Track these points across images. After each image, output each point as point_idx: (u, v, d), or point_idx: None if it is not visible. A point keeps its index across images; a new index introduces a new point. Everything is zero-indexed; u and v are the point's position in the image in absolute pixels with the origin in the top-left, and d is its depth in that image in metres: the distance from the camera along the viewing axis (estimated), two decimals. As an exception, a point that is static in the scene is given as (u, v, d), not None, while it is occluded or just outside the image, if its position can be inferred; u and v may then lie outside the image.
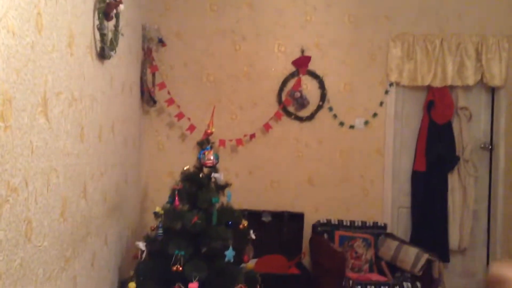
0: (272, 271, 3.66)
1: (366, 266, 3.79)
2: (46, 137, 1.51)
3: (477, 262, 4.39)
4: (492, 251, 4.36)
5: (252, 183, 4.18)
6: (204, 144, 2.93)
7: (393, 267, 3.70)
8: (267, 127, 4.14)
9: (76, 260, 1.87)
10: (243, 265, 3.25)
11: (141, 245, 2.80)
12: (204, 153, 2.88)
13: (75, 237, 1.84)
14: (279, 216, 4.05)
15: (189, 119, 4.00)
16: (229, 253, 2.66)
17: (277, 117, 4.17)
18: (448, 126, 4.25)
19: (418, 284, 3.40)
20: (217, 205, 2.81)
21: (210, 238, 2.70)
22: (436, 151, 4.19)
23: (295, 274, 3.70)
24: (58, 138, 1.62)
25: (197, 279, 2.54)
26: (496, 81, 4.18)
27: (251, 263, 3.74)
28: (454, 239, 4.23)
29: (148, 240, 2.83)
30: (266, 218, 4.03)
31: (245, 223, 2.93)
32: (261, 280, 3.01)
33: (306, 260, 4.02)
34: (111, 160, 2.52)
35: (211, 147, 2.93)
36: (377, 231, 4.03)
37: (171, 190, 2.84)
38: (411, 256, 3.50)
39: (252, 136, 4.13)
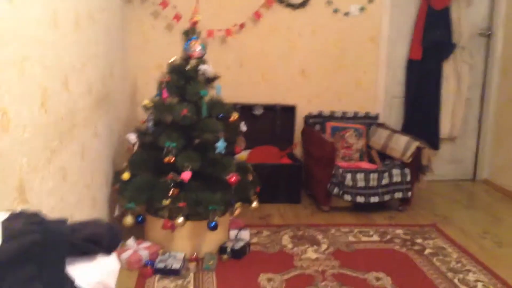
0: (264, 161, 3.74)
1: (357, 155, 3.87)
2: (11, 24, 1.40)
3: (467, 149, 4.49)
4: (482, 139, 4.43)
5: (243, 76, 4.09)
6: (189, 34, 2.79)
7: (384, 156, 3.78)
8: (257, 15, 3.94)
9: (63, 152, 1.86)
10: (235, 156, 3.31)
11: (132, 137, 2.80)
12: (190, 44, 2.76)
13: (60, 129, 1.81)
14: (271, 109, 4.03)
15: (174, 7, 3.78)
16: (220, 145, 2.67)
17: (268, 4, 3.94)
18: (446, 11, 4.06)
19: (407, 170, 3.49)
20: (207, 98, 2.76)
21: (201, 131, 2.70)
22: (433, 38, 4.05)
23: (287, 163, 3.78)
24: (27, 24, 1.51)
25: (189, 169, 2.58)
26: (500, -38, 3.91)
27: (243, 154, 3.80)
28: (445, 127, 4.28)
29: (139, 132, 2.83)
30: (258, 111, 4.01)
31: (235, 115, 2.91)
32: (253, 170, 3.08)
33: (297, 151, 4.09)
34: (92, 50, 2.41)
35: (198, 37, 2.79)
36: (369, 121, 4.05)
37: (158, 83, 2.77)
38: (401, 144, 3.55)
39: (242, 25, 3.95)
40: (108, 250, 1.12)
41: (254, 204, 2.91)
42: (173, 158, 2.58)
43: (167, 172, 2.66)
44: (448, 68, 4.19)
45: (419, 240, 3.04)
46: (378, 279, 2.52)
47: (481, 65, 4.32)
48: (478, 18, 4.23)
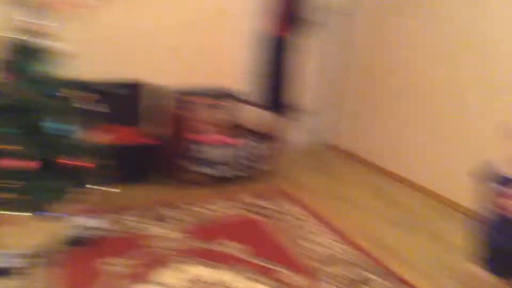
0: (120, 142, 3.55)
1: (213, 129, 3.86)
2: None
3: (319, 118, 4.75)
4: (333, 107, 4.73)
5: (94, 51, 3.78)
6: (25, 4, 2.46)
7: (241, 129, 3.82)
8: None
9: None
10: (91, 139, 3.07)
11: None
12: (28, 16, 2.44)
13: None
14: (122, 87, 3.81)
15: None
16: (52, 125, 2.43)
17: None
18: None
19: (262, 141, 3.58)
20: (47, 75, 2.48)
21: (42, 112, 2.42)
22: (290, 12, 4.15)
23: (145, 143, 3.63)
24: None
25: (34, 158, 2.31)
26: None
27: (100, 137, 3.57)
28: (298, 98, 4.46)
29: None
30: (114, 90, 3.78)
31: (89, 95, 2.67)
32: (111, 153, 2.88)
33: (150, 128, 3.93)
34: None
35: (36, 8, 2.48)
36: (226, 95, 4.06)
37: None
38: (257, 116, 3.62)
39: None
40: None
41: (108, 188, 2.72)
42: (11, 146, 2.29)
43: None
44: (306, 43, 4.35)
45: (270, 206, 3.15)
46: (229, 247, 2.54)
47: (338, 41, 4.56)
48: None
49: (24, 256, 2.38)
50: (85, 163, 2.51)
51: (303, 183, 3.69)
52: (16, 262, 2.31)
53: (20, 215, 2.31)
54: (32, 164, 2.33)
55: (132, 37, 3.89)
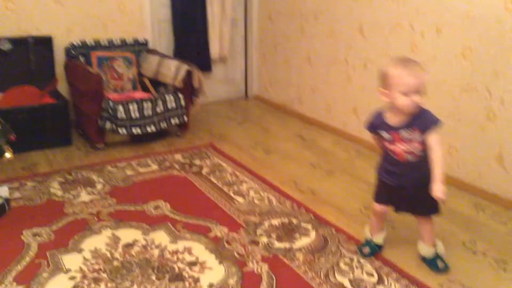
0: (22, 103, 3.22)
1: (129, 85, 3.65)
2: None
3: (237, 69, 4.69)
4: (249, 57, 4.67)
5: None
6: None
7: (157, 83, 3.65)
8: None
9: None
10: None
11: None
12: None
13: None
14: (22, 43, 3.44)
15: None
16: None
17: None
18: None
19: (180, 95, 3.44)
20: None
21: None
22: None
23: (50, 103, 3.34)
24: None
25: None
26: None
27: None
28: (214, 48, 4.35)
29: None
30: (4, 46, 3.38)
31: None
32: (10, 115, 2.61)
33: (61, 87, 3.64)
34: None
35: None
36: (138, 48, 3.82)
37: None
38: (172, 69, 3.46)
39: None
40: None
41: (7, 155, 2.48)
42: None
43: None
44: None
45: (197, 162, 3.09)
46: (157, 207, 2.46)
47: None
48: None
49: None
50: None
51: (224, 134, 3.65)
52: None
53: None
54: None
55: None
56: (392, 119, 1.83)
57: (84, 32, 3.75)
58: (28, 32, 3.53)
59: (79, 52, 3.58)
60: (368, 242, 2.08)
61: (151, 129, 3.31)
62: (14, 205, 2.46)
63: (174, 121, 3.45)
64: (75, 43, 3.59)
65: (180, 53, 4.07)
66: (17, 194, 2.58)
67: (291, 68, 4.16)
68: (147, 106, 3.28)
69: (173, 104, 3.42)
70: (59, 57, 3.61)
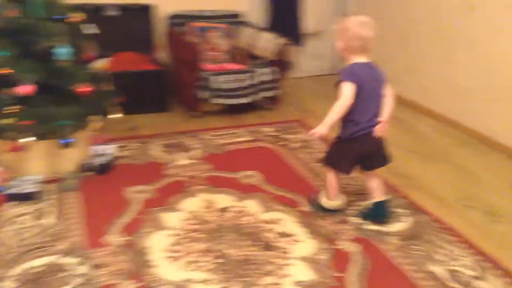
0: (126, 68, 3.43)
1: (224, 57, 3.73)
2: None
3: (329, 44, 4.60)
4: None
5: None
6: None
7: (251, 56, 3.70)
8: None
9: None
10: (90, 64, 2.95)
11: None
12: None
13: None
14: (125, 9, 3.63)
15: None
16: (62, 51, 2.31)
17: None
18: None
19: (273, 68, 3.47)
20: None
21: (37, 35, 2.30)
22: None
23: (152, 69, 3.52)
24: None
25: (30, 80, 2.22)
26: None
27: (102, 62, 3.44)
28: (309, 23, 4.29)
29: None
30: (111, 12, 3.58)
31: (78, 16, 2.52)
32: (115, 79, 2.79)
33: (161, 55, 3.81)
34: None
35: None
36: (234, 20, 3.89)
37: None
38: (266, 42, 3.48)
39: None
40: None
41: (116, 115, 2.67)
42: (8, 70, 2.19)
43: (5, 87, 2.27)
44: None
45: (286, 136, 3.12)
46: (248, 176, 2.54)
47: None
48: None
49: (44, 182, 2.38)
50: (91, 89, 2.42)
51: (313, 110, 3.64)
52: (39, 187, 2.30)
53: (32, 141, 2.28)
54: (32, 89, 2.25)
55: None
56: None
57: (186, 3, 3.87)
58: (133, 0, 3.72)
59: (180, 22, 3.71)
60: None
61: (244, 100, 3.38)
62: (120, 162, 2.66)
63: (266, 93, 3.50)
64: (176, 13, 3.72)
65: (275, 26, 4.07)
66: (122, 153, 2.78)
67: (387, 45, 4.01)
68: (241, 77, 3.35)
69: (266, 77, 3.46)
70: (159, 25, 3.76)
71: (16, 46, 2.26)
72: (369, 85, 1.97)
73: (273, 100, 3.61)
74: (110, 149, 2.71)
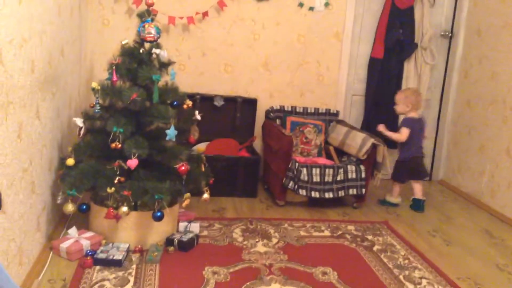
0: (222, 153, 3.67)
1: (315, 151, 3.85)
2: None
3: (425, 149, 4.52)
4: (440, 139, 4.49)
5: (205, 65, 4.01)
6: (144, 16, 2.69)
7: (341, 153, 3.77)
8: (221, 4, 3.86)
9: (-7, 128, 1.74)
10: (193, 148, 3.23)
11: (79, 121, 2.68)
12: (144, 26, 2.66)
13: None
14: (232, 101, 3.96)
15: (134, -9, 3.67)
16: (171, 132, 2.59)
17: (232, -6, 3.88)
18: (410, 11, 4.09)
19: (362, 167, 3.49)
20: (159, 83, 2.66)
21: (151, 117, 2.61)
22: (395, 36, 4.07)
23: (245, 156, 3.72)
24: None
25: (136, 156, 2.49)
26: (464, -35, 3.96)
27: (202, 146, 3.73)
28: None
29: (87, 116, 2.71)
30: (218, 102, 3.93)
31: (189, 103, 2.83)
32: (211, 162, 3.01)
33: (257, 144, 4.04)
34: (37, 27, 2.28)
35: (152, 20, 2.69)
36: (329, 118, 4.04)
37: (108, 65, 2.66)
38: (358, 141, 3.55)
39: (205, 14, 3.86)
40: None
41: (205, 195, 2.84)
42: (120, 144, 2.48)
43: (114, 159, 2.56)
44: (409, 68, 4.22)
45: (369, 237, 3.04)
46: (324, 273, 2.49)
47: (441, 66, 4.38)
48: (441, 19, 4.29)
49: (131, 251, 2.54)
50: (188, 168, 2.62)
51: (401, 214, 3.53)
52: (125, 256, 2.46)
53: (129, 212, 2.49)
54: (135, 163, 2.48)
55: (239, 54, 4.04)
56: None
57: (284, 98, 4.14)
58: (238, 92, 4.06)
59: (277, 115, 3.94)
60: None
61: (329, 195, 3.41)
62: (202, 241, 2.77)
63: (352, 191, 3.49)
64: (274, 107, 3.97)
65: (368, 127, 4.14)
66: (205, 232, 2.90)
67: (486, 157, 3.85)
68: (329, 172, 3.41)
69: (354, 175, 3.47)
70: (260, 117, 4.03)
71: (130, 124, 2.58)
72: (417, 129, 3.56)
73: (359, 198, 3.59)
74: (195, 227, 2.84)
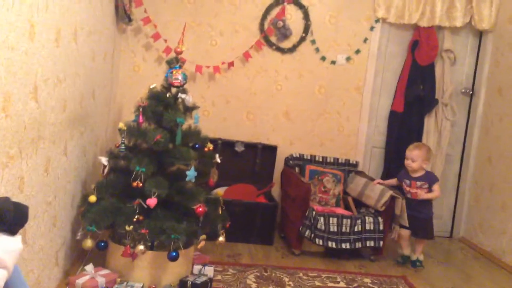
0: (240, 198, 3.70)
1: (333, 201, 3.84)
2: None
3: (445, 206, 4.47)
4: (461, 196, 4.43)
5: (228, 112, 4.14)
6: (172, 62, 2.84)
7: (360, 204, 3.76)
8: (246, 55, 4.03)
9: (23, 161, 1.83)
10: (212, 191, 3.28)
11: (104, 160, 2.78)
12: (171, 72, 2.80)
13: (21, 137, 1.80)
14: (252, 147, 4.04)
15: (165, 40, 3.87)
16: (191, 173, 2.65)
17: (257, 46, 4.05)
18: (431, 68, 4.18)
19: (380, 219, 3.46)
20: (183, 126, 2.76)
21: (173, 158, 2.69)
22: (416, 92, 4.14)
23: (262, 202, 3.74)
24: (-1, 29, 1.54)
25: (156, 195, 2.55)
26: (485, 24, 4.07)
27: (220, 191, 3.78)
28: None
29: (111, 155, 2.81)
30: (239, 148, 4.02)
31: (210, 146, 2.91)
32: (229, 206, 3.05)
33: (275, 191, 4.06)
34: (72, 69, 2.43)
35: (180, 66, 2.84)
36: (348, 168, 4.06)
37: (135, 107, 2.79)
38: (376, 192, 3.54)
39: (231, 64, 4.03)
40: (12, 227, 1.10)
41: (221, 238, 2.86)
42: (141, 183, 2.55)
43: (135, 198, 2.63)
44: (430, 123, 4.26)
45: (387, 291, 2.98)
46: (338, 326, 2.44)
47: (462, 122, 4.40)
48: (462, 76, 4.35)
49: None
50: (206, 209, 2.66)
51: (419, 270, 3.45)
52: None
53: (145, 251, 2.51)
54: (155, 202, 2.54)
55: (262, 103, 4.15)
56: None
57: (303, 146, 4.20)
58: (259, 139, 4.14)
59: (296, 163, 3.99)
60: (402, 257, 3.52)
61: (346, 245, 3.37)
62: (215, 286, 2.76)
63: (370, 243, 3.44)
64: (294, 155, 4.02)
65: (388, 179, 4.13)
66: (219, 277, 2.89)
67: (508, 216, 3.77)
68: (346, 222, 3.39)
69: (372, 226, 3.44)
70: (279, 165, 4.08)
71: (152, 164, 2.66)
72: None
73: (376, 250, 3.53)
74: (209, 271, 2.84)
